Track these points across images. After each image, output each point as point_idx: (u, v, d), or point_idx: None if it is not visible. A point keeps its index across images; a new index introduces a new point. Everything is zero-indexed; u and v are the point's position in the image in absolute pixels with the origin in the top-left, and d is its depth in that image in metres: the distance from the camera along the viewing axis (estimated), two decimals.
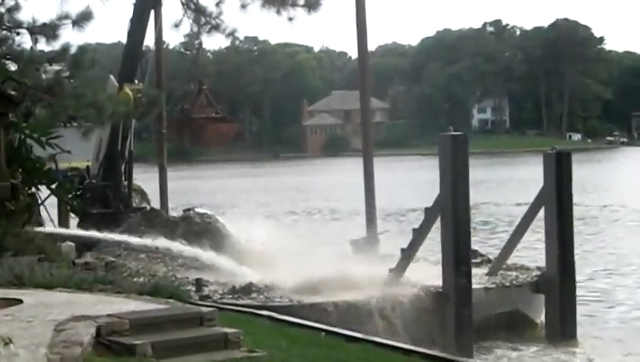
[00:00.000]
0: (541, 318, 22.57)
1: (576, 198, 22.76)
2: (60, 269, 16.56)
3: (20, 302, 12.71)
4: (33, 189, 13.99)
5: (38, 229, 20.68)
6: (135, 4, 28.21)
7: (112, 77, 28.15)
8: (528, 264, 24.77)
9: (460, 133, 22.10)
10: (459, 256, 20.74)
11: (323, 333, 13.86)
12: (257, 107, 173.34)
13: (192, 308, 12.90)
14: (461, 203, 20.94)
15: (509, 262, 24.00)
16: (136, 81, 27.81)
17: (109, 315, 11.43)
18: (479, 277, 22.59)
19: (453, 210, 20.81)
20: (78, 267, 19.13)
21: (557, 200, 21.93)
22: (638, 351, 20.92)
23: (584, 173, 78.20)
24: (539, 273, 22.86)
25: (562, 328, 21.63)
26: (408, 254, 22.08)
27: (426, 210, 21.84)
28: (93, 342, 10.59)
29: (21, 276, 15.20)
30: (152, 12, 29.46)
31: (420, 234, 21.97)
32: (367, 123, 29.66)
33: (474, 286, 21.19)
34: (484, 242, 34.26)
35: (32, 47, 18.19)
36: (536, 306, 22.41)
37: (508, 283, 22.31)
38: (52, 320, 11.17)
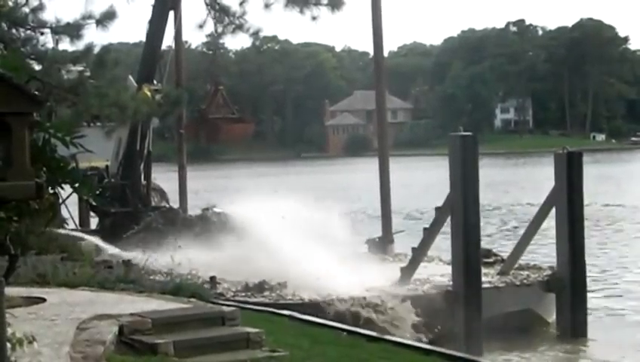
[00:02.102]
0: (553, 317, 22.62)
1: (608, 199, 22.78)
2: (83, 268, 16.66)
3: (44, 300, 12.78)
4: (57, 188, 14.15)
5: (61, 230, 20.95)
6: (154, 6, 28.39)
7: (130, 77, 28.33)
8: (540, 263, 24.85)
9: (470, 133, 22.31)
10: (469, 255, 20.94)
11: (344, 333, 13.86)
12: (279, 107, 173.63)
13: (214, 307, 12.93)
14: (471, 202, 21.15)
15: (522, 261, 24.10)
16: (154, 82, 28.01)
17: (131, 314, 11.47)
18: (491, 276, 22.76)
19: (463, 210, 21.02)
20: (100, 265, 19.25)
21: (568, 200, 22.05)
22: None
23: (615, 172, 77.78)
24: (550, 272, 22.92)
25: (573, 327, 21.72)
26: (419, 253, 22.30)
27: (437, 209, 22.01)
28: (115, 340, 10.64)
29: (44, 275, 15.31)
30: (172, 13, 29.65)
31: (430, 234, 22.17)
32: (382, 124, 29.83)
33: (484, 285, 21.39)
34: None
35: (53, 48, 18.26)
36: (548, 305, 22.44)
37: (518, 283, 22.45)
38: (75, 319, 11.23)
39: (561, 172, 22.29)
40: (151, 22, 28.68)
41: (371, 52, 29.17)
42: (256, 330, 11.48)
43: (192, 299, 13.71)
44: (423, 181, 74.57)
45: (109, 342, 10.28)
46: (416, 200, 54.20)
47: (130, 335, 10.89)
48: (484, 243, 32.44)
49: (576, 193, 22.15)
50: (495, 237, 39.33)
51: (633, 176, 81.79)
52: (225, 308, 12.40)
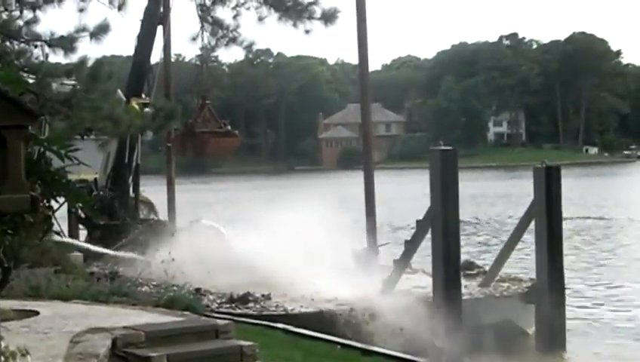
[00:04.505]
0: (533, 328, 22.74)
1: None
2: (76, 281, 16.64)
3: (37, 313, 12.76)
4: (52, 201, 14.22)
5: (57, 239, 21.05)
6: (142, 21, 28.60)
7: (119, 91, 28.52)
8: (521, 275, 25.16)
9: (450, 147, 22.61)
10: (449, 267, 21.18)
11: (338, 346, 13.87)
12: (273, 119, 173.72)
13: (207, 320, 12.91)
14: (451, 215, 21.41)
15: (503, 273, 24.34)
16: (143, 95, 28.20)
17: (124, 327, 11.45)
18: (472, 288, 23.02)
19: (443, 222, 21.26)
20: (95, 278, 19.25)
21: (547, 213, 22.28)
22: None
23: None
24: (530, 284, 23.17)
25: (551, 339, 21.89)
26: (401, 265, 22.52)
27: (418, 222, 22.30)
28: (109, 354, 10.61)
29: (38, 287, 15.27)
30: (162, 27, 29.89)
31: (411, 246, 22.43)
32: (368, 138, 30.30)
33: (464, 296, 21.61)
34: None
35: (43, 61, 18.24)
36: (528, 317, 22.64)
37: (498, 294, 22.71)
38: (68, 332, 11.21)
39: (539, 185, 22.62)
40: (139, 36, 28.95)
41: None
42: (250, 343, 11.47)
43: (186, 312, 13.69)
44: (413, 194, 74.69)
45: (103, 355, 10.25)
46: (406, 212, 54.27)
47: (123, 349, 10.87)
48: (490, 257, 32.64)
49: (555, 206, 22.46)
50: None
51: (624, 189, 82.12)
52: (218, 321, 12.39)
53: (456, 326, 20.64)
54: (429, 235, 21.99)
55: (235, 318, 15.61)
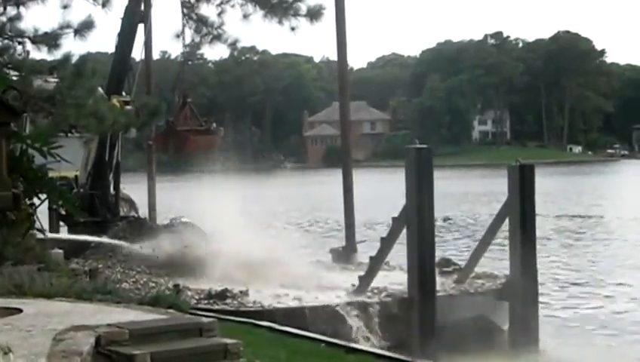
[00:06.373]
0: (507, 325, 22.96)
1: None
2: (60, 278, 16.55)
3: (20, 311, 12.68)
4: (34, 199, 14.20)
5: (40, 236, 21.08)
6: (123, 19, 28.66)
7: (100, 89, 28.55)
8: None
9: (425, 146, 22.98)
10: (423, 264, 21.46)
11: (323, 344, 13.87)
12: (258, 117, 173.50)
13: (191, 318, 12.87)
14: (426, 212, 21.69)
15: (479, 270, 24.59)
16: (123, 93, 28.27)
17: (108, 325, 11.41)
18: (447, 284, 23.29)
19: (418, 220, 21.54)
20: (79, 276, 19.21)
21: (520, 211, 22.55)
22: (599, 358, 21.65)
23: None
24: (505, 281, 23.35)
25: (525, 335, 22.12)
26: (376, 261, 22.74)
27: (394, 219, 22.46)
28: (92, 351, 10.57)
29: (21, 285, 15.19)
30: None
31: (387, 243, 22.65)
32: (346, 139, 30.77)
33: (439, 292, 21.91)
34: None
35: (25, 58, 18.15)
36: (502, 313, 22.84)
37: (472, 290, 23.01)
38: (51, 330, 11.15)
39: (514, 184, 22.92)
40: (120, 34, 28.99)
41: (350, 63, 29.60)
42: (234, 341, 11.43)
43: (170, 310, 13.65)
44: (397, 192, 74.81)
45: (86, 353, 10.20)
46: (388, 210, 54.39)
47: (107, 347, 10.82)
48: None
49: (529, 204, 22.72)
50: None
51: (606, 187, 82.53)
52: (203, 319, 12.35)
53: (430, 322, 20.86)
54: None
55: (220, 316, 15.62)
